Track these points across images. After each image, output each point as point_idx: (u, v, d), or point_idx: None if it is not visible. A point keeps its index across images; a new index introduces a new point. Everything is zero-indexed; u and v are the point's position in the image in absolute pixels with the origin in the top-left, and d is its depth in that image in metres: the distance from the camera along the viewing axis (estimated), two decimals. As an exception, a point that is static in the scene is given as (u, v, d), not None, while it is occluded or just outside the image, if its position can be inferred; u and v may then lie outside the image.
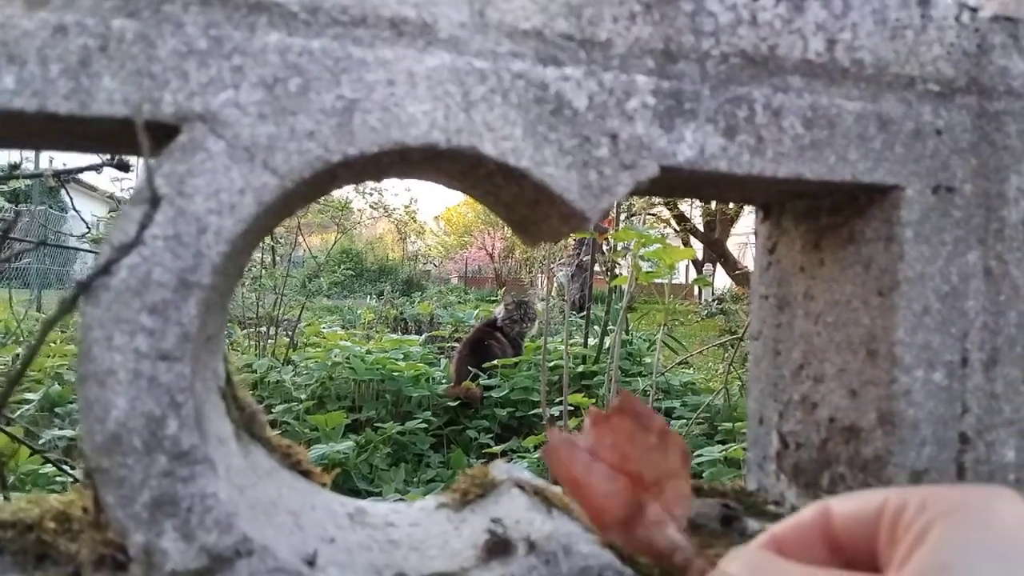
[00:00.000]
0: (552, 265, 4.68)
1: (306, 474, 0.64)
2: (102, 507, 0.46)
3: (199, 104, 0.46)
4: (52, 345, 3.98)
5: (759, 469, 0.73)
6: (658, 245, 1.89)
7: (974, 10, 0.60)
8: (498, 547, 0.53)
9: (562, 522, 0.56)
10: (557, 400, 2.62)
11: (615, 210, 4.37)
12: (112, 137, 0.51)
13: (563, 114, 0.51)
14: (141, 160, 0.48)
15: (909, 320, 0.58)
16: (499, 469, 0.66)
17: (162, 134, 0.46)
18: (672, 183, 0.58)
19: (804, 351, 0.67)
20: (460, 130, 0.50)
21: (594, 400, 2.60)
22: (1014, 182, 0.61)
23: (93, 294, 0.45)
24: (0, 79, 0.44)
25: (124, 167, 1.52)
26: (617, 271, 3.92)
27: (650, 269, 2.09)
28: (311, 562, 0.49)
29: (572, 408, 2.33)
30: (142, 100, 0.45)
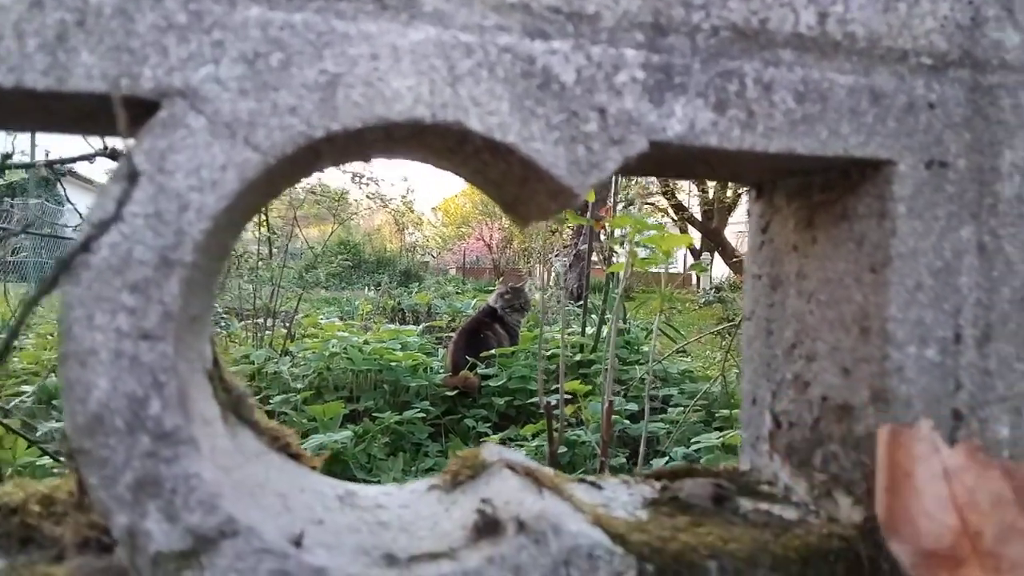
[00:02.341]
0: (550, 256, 4.67)
1: (295, 457, 0.63)
2: (85, 489, 0.46)
3: (179, 79, 0.45)
4: (48, 338, 3.98)
5: (752, 449, 0.73)
6: (655, 231, 1.88)
7: (967, -17, 0.60)
8: (488, 527, 0.53)
9: (553, 502, 0.56)
10: (554, 388, 2.61)
11: (612, 199, 4.36)
12: (92, 116, 0.50)
13: (550, 88, 0.51)
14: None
15: (902, 296, 0.57)
16: (490, 451, 0.65)
17: (142, 111, 0.46)
18: (662, 160, 0.58)
19: (796, 330, 0.66)
20: (445, 105, 0.49)
21: (591, 388, 2.59)
22: (1008, 157, 0.60)
23: (73, 273, 0.44)
24: (-25, 54, 0.43)
25: (115, 157, 1.50)
26: (614, 259, 3.91)
27: (647, 256, 2.08)
28: (297, 543, 0.49)
29: (569, 396, 2.33)
30: (120, 75, 0.44)
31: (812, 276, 0.65)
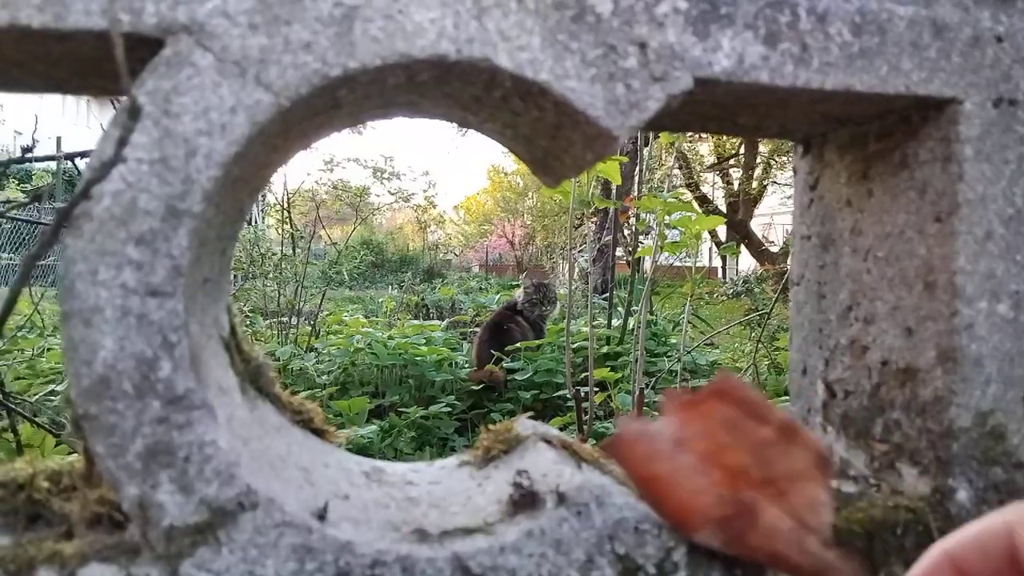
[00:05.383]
0: (573, 251, 4.62)
1: (319, 433, 0.60)
2: (93, 459, 0.43)
3: (184, 14, 0.42)
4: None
5: (803, 423, 0.68)
6: (684, 213, 1.83)
7: (1036, -94, 0.55)
8: (525, 500, 0.49)
9: (593, 475, 0.52)
10: (583, 377, 2.57)
11: (637, 189, 4.30)
12: (94, 64, 0.47)
13: (585, 20, 0.47)
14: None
15: (970, 246, 0.53)
16: (524, 425, 0.62)
17: (145, 51, 0.42)
18: (707, 104, 0.53)
19: (852, 291, 0.62)
20: (472, 40, 0.45)
21: (620, 376, 2.54)
22: (1084, 94, 0.55)
23: (75, 224, 0.41)
24: (-34, -9, 0.40)
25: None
26: (641, 247, 3.85)
27: (675, 240, 2.03)
28: (322, 516, 0.45)
29: (597, 386, 2.28)
30: (121, 9, 0.41)
31: (868, 232, 0.60)
